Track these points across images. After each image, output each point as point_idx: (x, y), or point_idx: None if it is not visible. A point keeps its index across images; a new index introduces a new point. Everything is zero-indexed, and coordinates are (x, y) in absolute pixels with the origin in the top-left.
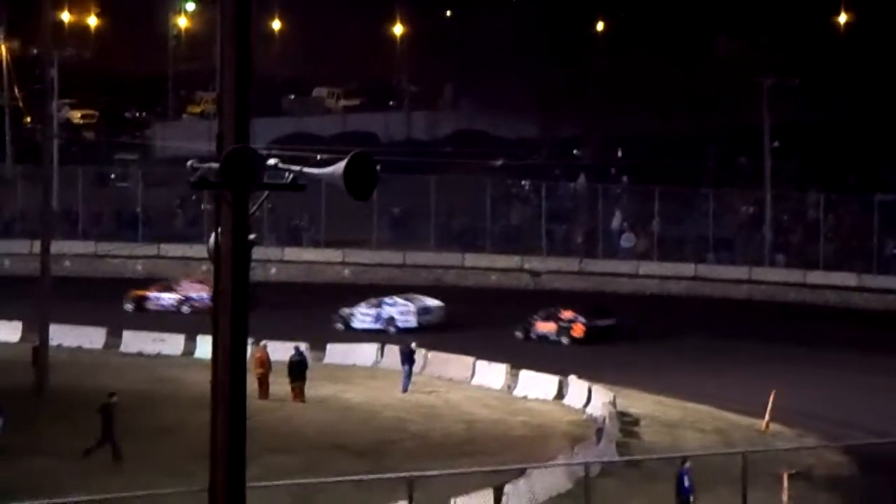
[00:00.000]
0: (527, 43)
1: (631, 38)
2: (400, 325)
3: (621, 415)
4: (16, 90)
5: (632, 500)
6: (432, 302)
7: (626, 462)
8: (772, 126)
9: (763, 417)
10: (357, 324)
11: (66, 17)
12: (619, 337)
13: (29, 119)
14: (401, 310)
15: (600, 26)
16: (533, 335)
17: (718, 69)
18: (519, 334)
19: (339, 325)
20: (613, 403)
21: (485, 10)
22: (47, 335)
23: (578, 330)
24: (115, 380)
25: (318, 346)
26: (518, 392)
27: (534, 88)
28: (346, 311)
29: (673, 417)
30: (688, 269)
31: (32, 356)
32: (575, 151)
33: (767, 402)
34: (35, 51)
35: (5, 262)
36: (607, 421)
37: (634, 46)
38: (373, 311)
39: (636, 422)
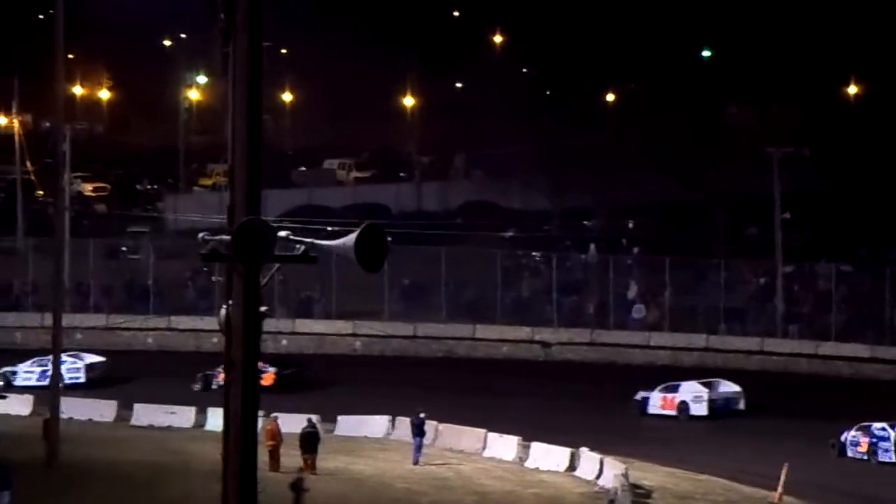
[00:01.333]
0: (537, 113)
1: (640, 108)
2: (68, 381)
3: (633, 487)
4: (28, 163)
5: None
6: (97, 358)
7: None
8: (782, 195)
9: (776, 490)
10: (20, 381)
11: (78, 90)
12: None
13: (41, 192)
14: (68, 366)
15: (610, 97)
16: None
17: (729, 138)
18: None
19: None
20: (626, 475)
21: (495, 81)
22: (58, 408)
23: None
24: (127, 452)
25: (329, 417)
26: (530, 463)
27: (544, 159)
28: (7, 369)
29: (685, 489)
30: (699, 339)
31: (43, 429)
32: (585, 222)
33: (780, 475)
34: (47, 124)
35: (17, 335)
36: (619, 493)
37: (644, 116)
38: (37, 369)
39: (648, 494)
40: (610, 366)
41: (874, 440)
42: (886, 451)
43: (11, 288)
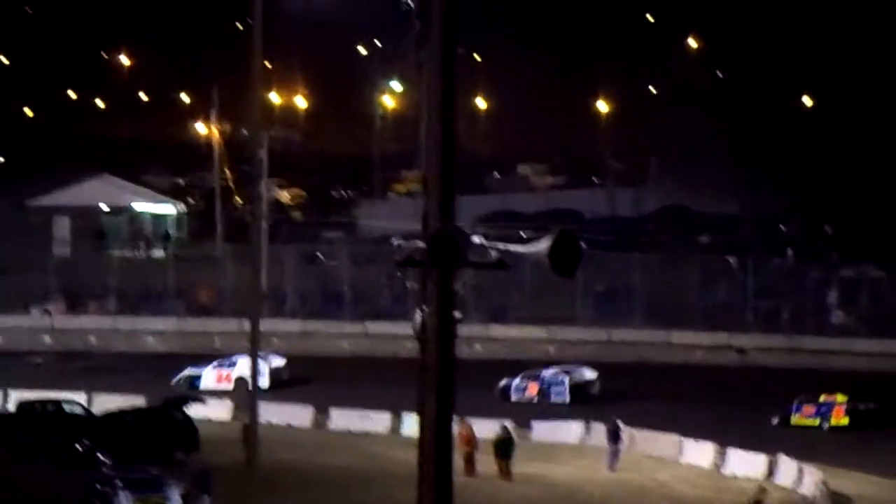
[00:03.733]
0: (731, 117)
1: (837, 112)
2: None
3: (833, 495)
4: (226, 171)
5: None
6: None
7: None
8: None
9: None
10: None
11: (275, 98)
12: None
13: (239, 199)
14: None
15: (807, 100)
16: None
17: None
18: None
19: None
20: (825, 482)
21: (689, 85)
22: (256, 413)
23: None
24: (324, 457)
25: (524, 423)
26: (726, 470)
27: (739, 163)
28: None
29: (888, 498)
30: None
31: (242, 434)
32: (782, 226)
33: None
34: (245, 132)
35: (215, 341)
36: (819, 500)
37: (842, 119)
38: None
39: (849, 501)
40: (808, 372)
41: (545, 385)
42: (559, 394)
43: (209, 294)
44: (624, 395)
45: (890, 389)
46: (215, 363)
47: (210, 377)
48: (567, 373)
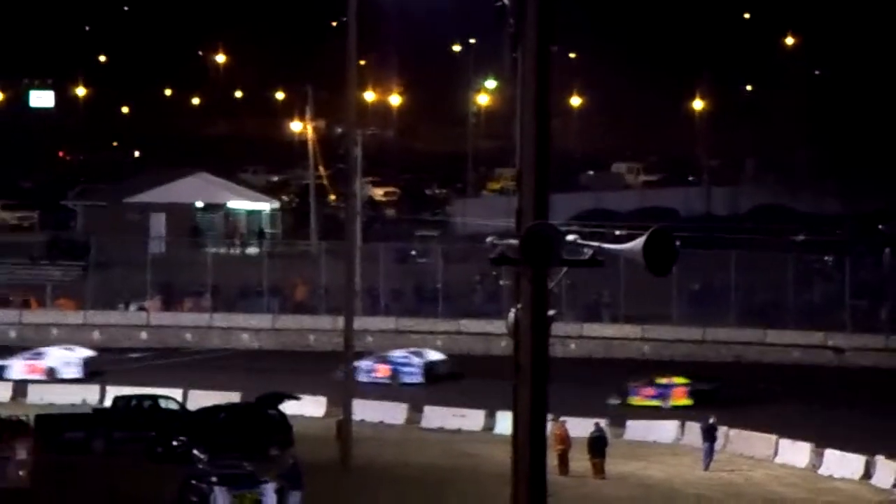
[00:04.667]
0: (828, 115)
1: None
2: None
3: None
4: (321, 168)
5: None
6: (438, 356)
7: None
8: None
9: None
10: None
11: (369, 96)
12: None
13: (333, 196)
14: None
15: None
16: None
17: None
18: None
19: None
20: None
21: (787, 84)
22: (350, 410)
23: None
24: (417, 455)
25: (618, 421)
26: (823, 471)
27: (835, 161)
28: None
29: None
30: None
31: (336, 430)
32: (880, 226)
33: None
34: (340, 130)
35: (310, 338)
36: None
37: None
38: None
39: None
40: None
41: (395, 366)
42: (412, 374)
43: (303, 291)
44: (718, 395)
45: None
46: (26, 354)
47: (19, 367)
48: (417, 354)
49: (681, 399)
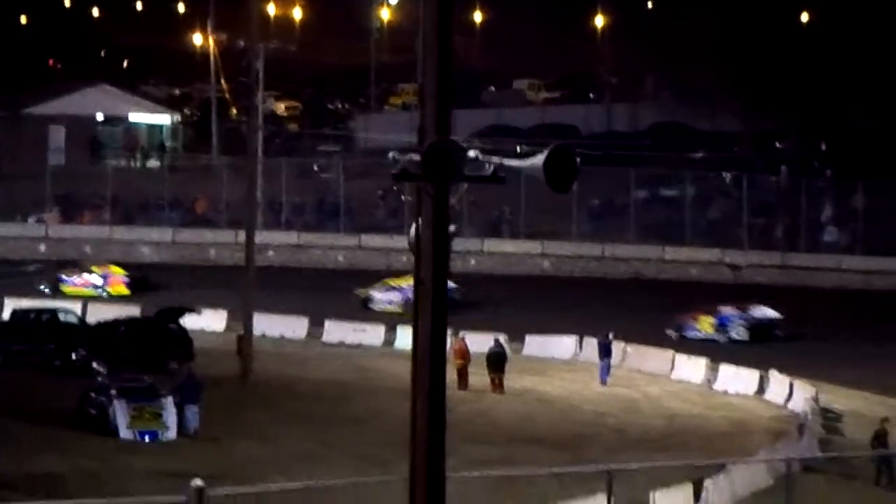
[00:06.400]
0: (728, 33)
1: (836, 28)
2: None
3: (824, 411)
4: (223, 82)
5: (834, 497)
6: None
7: (829, 458)
8: None
9: None
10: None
11: (271, 10)
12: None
13: (235, 111)
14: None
15: (805, 17)
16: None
17: None
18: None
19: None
20: (816, 399)
21: (686, 1)
22: (251, 324)
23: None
24: (317, 369)
25: (517, 337)
26: (718, 386)
27: (735, 80)
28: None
29: (878, 414)
30: (894, 263)
31: (237, 345)
32: (777, 144)
33: None
34: (241, 43)
35: (211, 252)
36: (809, 416)
37: (838, 37)
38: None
39: (839, 418)
40: (800, 289)
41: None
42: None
43: (204, 205)
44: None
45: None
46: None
47: None
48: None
49: (118, 287)
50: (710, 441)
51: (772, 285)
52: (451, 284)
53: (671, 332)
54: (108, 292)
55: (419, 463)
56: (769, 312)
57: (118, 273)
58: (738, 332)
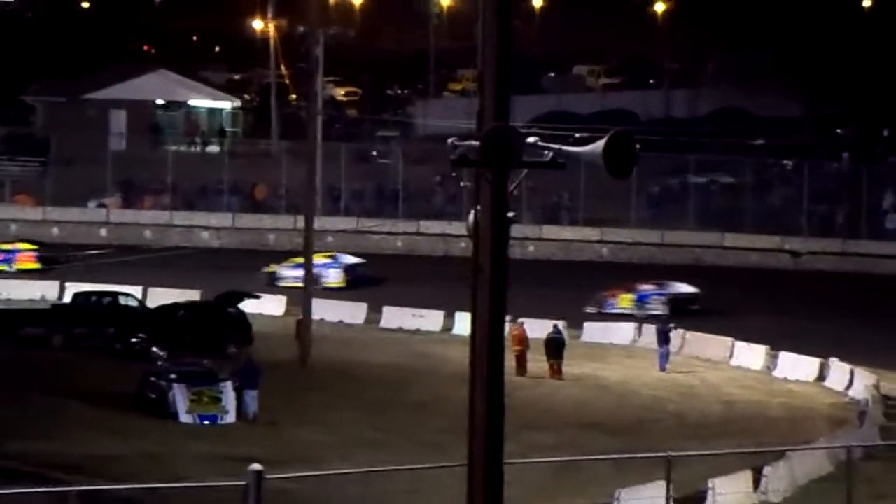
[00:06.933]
0: (790, 18)
1: None
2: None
3: (885, 398)
4: (283, 68)
5: (895, 485)
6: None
7: (889, 446)
8: None
9: None
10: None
11: None
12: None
13: (294, 96)
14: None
15: (867, 1)
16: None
17: None
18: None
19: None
20: (877, 386)
21: None
22: (310, 309)
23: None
24: (375, 355)
25: (576, 324)
26: (778, 373)
27: (796, 66)
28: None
29: None
30: None
31: (296, 330)
32: (839, 130)
33: None
34: (301, 29)
35: (270, 237)
36: (870, 404)
37: None
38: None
39: None
40: (861, 276)
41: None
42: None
43: (264, 190)
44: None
45: None
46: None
47: None
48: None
49: (26, 263)
50: (770, 428)
51: (832, 272)
52: (355, 259)
53: (591, 309)
54: (15, 268)
55: (477, 449)
56: (686, 288)
57: (26, 248)
58: (656, 307)
